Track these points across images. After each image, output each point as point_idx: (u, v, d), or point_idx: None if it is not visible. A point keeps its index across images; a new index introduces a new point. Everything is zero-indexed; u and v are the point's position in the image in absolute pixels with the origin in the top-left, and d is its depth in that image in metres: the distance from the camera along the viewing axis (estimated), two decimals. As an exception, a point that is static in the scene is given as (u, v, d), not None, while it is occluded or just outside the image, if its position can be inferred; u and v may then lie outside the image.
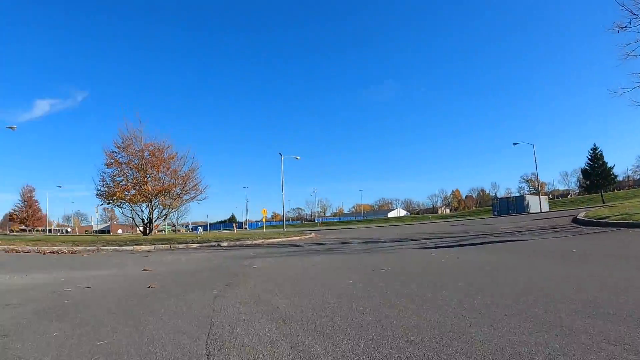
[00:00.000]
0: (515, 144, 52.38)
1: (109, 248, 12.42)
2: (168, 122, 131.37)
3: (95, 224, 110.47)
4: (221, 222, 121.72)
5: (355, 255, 9.31)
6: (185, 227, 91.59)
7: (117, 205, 32.73)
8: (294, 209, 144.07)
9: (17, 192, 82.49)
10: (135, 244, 13.64)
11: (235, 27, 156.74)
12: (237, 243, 15.68)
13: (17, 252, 11.44)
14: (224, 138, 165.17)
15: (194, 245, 14.22)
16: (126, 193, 31.00)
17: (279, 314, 3.55)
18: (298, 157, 50.86)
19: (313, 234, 23.10)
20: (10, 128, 34.09)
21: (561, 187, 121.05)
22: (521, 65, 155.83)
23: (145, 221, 32.12)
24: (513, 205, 50.86)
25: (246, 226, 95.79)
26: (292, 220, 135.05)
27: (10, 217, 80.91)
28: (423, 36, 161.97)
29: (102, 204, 33.09)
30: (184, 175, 32.68)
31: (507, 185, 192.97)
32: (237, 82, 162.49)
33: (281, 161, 46.17)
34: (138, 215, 32.43)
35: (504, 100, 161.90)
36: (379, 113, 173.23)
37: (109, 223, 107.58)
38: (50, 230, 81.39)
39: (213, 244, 14.96)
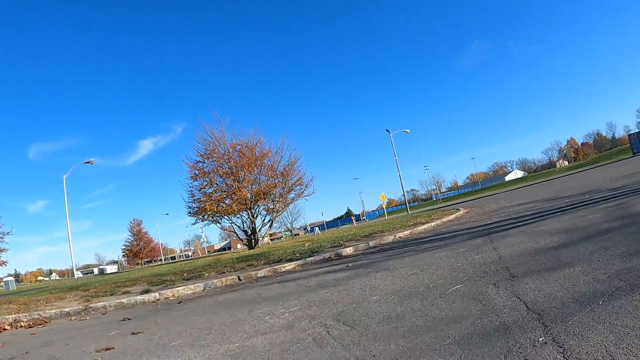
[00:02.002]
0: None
1: (110, 303, 5.88)
2: (269, 125, 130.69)
3: (217, 242, 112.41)
4: (338, 218, 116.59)
5: None
6: (304, 230, 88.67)
7: (213, 221, 27.84)
8: (408, 191, 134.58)
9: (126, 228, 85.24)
10: (179, 284, 7.02)
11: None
12: (371, 244, 8.45)
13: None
14: (323, 132, 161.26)
15: (290, 266, 7.22)
16: (220, 204, 25.70)
17: None
18: (407, 130, 43.39)
19: (462, 210, 15.84)
20: (88, 162, 31.38)
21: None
22: None
23: (249, 232, 26.72)
24: (656, 138, 41.53)
25: (364, 218, 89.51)
26: (409, 202, 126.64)
27: (125, 253, 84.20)
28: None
29: (195, 222, 28.29)
30: (283, 171, 26.69)
31: (624, 122, 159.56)
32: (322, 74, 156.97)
33: (390, 138, 39.41)
34: (239, 226, 27.38)
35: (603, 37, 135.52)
36: (472, 76, 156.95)
37: (228, 240, 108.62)
38: (174, 257, 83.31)
39: (328, 253, 7.80)
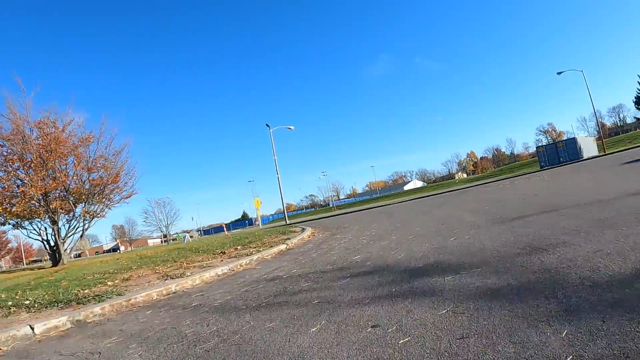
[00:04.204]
0: (559, 73, 41.87)
1: None
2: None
3: (105, 243, 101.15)
4: (236, 220, 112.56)
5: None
6: (198, 232, 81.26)
7: (15, 225, 20.50)
8: (306, 197, 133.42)
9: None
10: None
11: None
12: None
13: None
14: (221, 136, 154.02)
15: None
16: (7, 203, 18.57)
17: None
18: (291, 127, 39.64)
19: (308, 231, 12.02)
20: None
21: (582, 133, 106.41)
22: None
23: (51, 243, 19.74)
24: (564, 152, 39.89)
25: (257, 223, 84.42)
26: (306, 208, 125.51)
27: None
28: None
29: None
30: (105, 162, 20.32)
31: (523, 140, 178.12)
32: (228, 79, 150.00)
33: (270, 134, 35.04)
34: (44, 238, 20.19)
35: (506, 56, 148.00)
36: (378, 87, 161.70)
37: (117, 242, 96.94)
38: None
39: None
